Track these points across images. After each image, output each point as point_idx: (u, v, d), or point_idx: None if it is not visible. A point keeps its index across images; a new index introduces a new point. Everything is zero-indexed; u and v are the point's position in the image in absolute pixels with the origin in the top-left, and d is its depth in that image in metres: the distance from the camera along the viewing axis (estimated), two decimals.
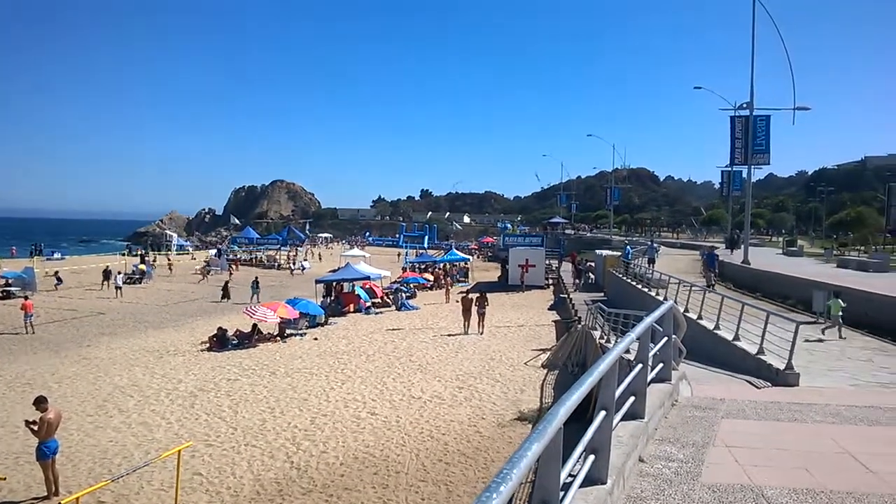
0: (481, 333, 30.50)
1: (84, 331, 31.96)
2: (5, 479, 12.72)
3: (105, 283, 46.71)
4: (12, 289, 42.01)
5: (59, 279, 46.99)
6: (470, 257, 71.31)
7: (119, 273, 46.35)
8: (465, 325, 31.28)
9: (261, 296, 43.17)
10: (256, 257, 74.16)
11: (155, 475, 13.54)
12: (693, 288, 19.38)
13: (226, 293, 44.20)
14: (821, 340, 14.60)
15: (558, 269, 56.05)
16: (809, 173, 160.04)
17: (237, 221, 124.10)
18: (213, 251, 76.26)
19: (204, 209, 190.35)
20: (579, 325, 25.72)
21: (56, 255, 71.26)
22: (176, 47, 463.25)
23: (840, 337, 14.80)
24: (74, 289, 46.45)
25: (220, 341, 27.65)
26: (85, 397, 19.71)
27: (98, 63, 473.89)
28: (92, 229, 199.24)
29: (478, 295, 32.66)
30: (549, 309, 39.29)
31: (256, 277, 48.75)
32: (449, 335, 30.42)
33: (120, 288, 44.55)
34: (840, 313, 16.22)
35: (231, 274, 56.11)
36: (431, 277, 53.93)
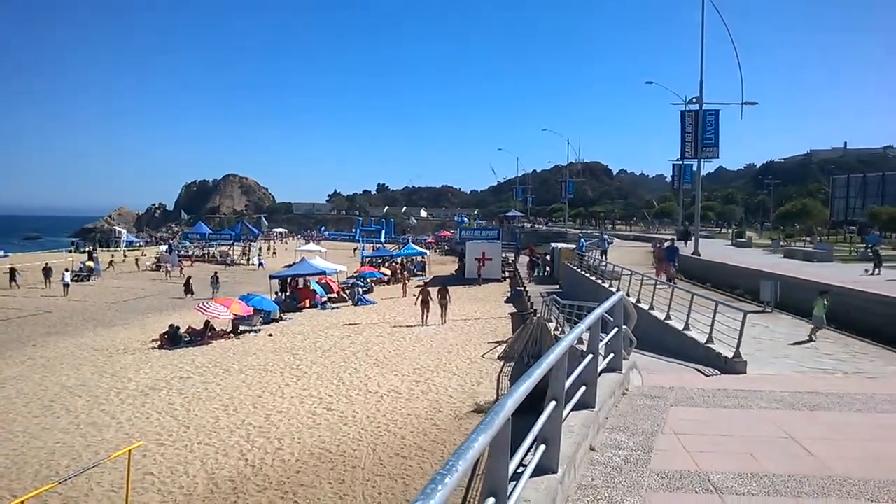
0: (444, 323, 31.12)
1: (29, 330, 31.03)
2: None
3: (47, 281, 45.22)
4: None
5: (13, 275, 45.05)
6: (427, 251, 71.27)
7: (66, 270, 44.92)
8: (423, 316, 31.52)
9: (218, 292, 42.50)
10: (209, 253, 72.92)
11: (105, 476, 13.25)
12: (645, 279, 19.68)
13: (188, 289, 43.56)
14: (811, 340, 14.76)
15: (514, 262, 56.42)
16: (757, 166, 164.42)
17: (187, 216, 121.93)
18: (164, 247, 74.74)
19: (154, 204, 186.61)
20: (535, 318, 25.94)
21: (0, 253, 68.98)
22: (121, 40, 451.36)
23: (810, 338, 14.80)
24: (19, 287, 45.01)
25: (171, 339, 27.13)
26: (30, 398, 19.16)
27: (41, 55, 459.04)
28: (37, 225, 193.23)
29: (439, 287, 33.45)
30: (505, 302, 39.53)
31: (216, 272, 48.36)
32: (407, 328, 30.40)
33: (68, 286, 43.15)
34: (823, 314, 15.69)
35: (181, 270, 55.00)
36: (388, 272, 53.80)
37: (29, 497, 10.76)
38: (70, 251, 72.65)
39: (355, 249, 79.53)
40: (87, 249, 70.42)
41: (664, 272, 25.39)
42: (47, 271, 45.79)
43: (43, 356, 25.04)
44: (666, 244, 30.25)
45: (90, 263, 53.37)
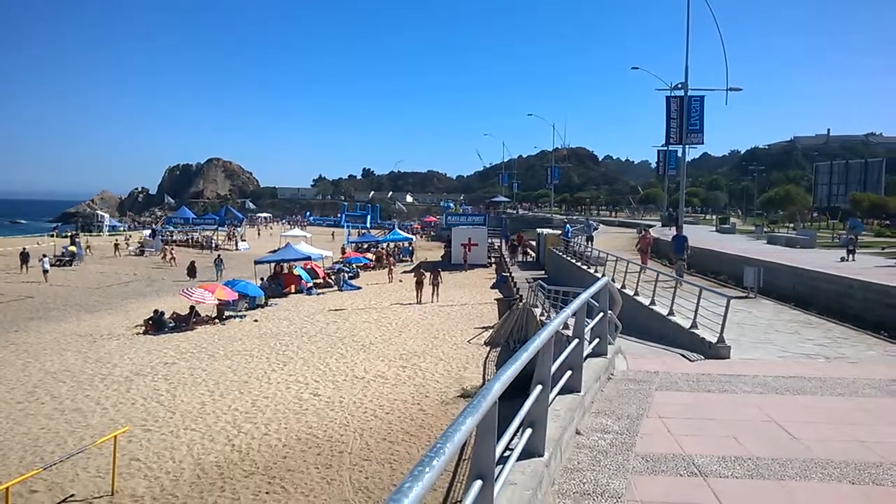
0: (435, 302, 33.87)
1: (11, 315, 30.74)
2: None
3: (24, 266, 44.38)
4: None
5: None
6: (413, 237, 71.21)
7: (44, 256, 44.26)
8: (417, 295, 34.25)
9: (198, 277, 42.35)
10: (193, 238, 72.43)
11: (90, 462, 13.21)
12: (630, 265, 19.77)
13: (191, 272, 43.76)
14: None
15: (500, 247, 56.53)
16: (742, 153, 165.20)
17: (171, 201, 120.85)
18: (148, 232, 74.15)
19: (137, 188, 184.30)
20: (521, 303, 26.03)
21: None
22: (104, 22, 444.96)
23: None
24: None
25: (156, 324, 26.98)
26: (14, 384, 19.02)
27: (25, 38, 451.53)
28: (17, 210, 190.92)
29: (432, 270, 36.38)
30: (491, 287, 39.64)
31: (220, 255, 48.70)
32: (393, 313, 30.43)
33: (47, 271, 42.22)
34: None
35: (166, 255, 54.57)
36: (374, 257, 53.74)
37: (14, 483, 10.72)
38: (52, 235, 71.87)
39: (333, 233, 79.19)
40: (69, 234, 69.66)
41: (675, 268, 23.03)
42: (25, 256, 45.10)
43: (26, 342, 24.84)
44: (648, 231, 28.92)
45: (72, 248, 52.81)
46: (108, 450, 12.83)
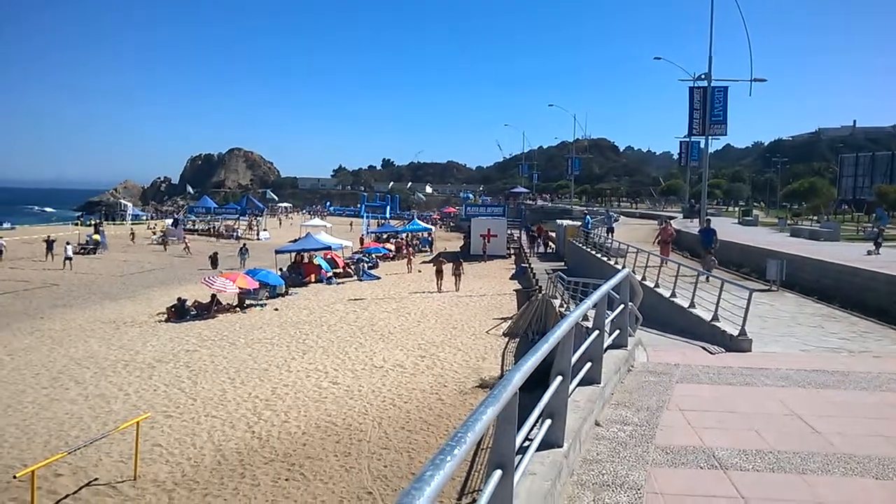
0: (457, 290, 34.37)
1: (37, 303, 31.22)
2: None
3: (49, 254, 44.84)
4: None
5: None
6: (432, 227, 71.23)
7: (67, 244, 44.79)
8: (437, 284, 34.88)
9: (220, 266, 42.73)
10: (214, 227, 72.98)
11: (113, 447, 13.41)
12: (651, 257, 19.64)
13: (214, 262, 44.16)
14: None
15: (520, 238, 56.41)
16: (765, 144, 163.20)
17: (193, 191, 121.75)
18: (170, 221, 74.83)
19: (159, 178, 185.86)
20: (540, 294, 25.99)
21: (6, 225, 69.18)
22: (130, 13, 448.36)
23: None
24: (26, 259, 45.18)
25: (178, 312, 27.27)
26: (39, 370, 19.33)
27: (49, 29, 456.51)
28: (42, 198, 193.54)
29: (454, 262, 37.32)
30: (510, 278, 39.61)
31: (244, 244, 49.14)
32: (412, 303, 30.51)
33: (70, 259, 42.64)
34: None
35: (186, 246, 55.09)
36: (393, 247, 53.85)
37: (40, 466, 10.91)
38: (76, 224, 72.77)
39: (351, 224, 79.35)
40: (93, 223, 70.50)
41: (702, 262, 21.72)
42: (50, 244, 45.69)
43: (51, 328, 25.23)
44: (677, 224, 28.29)
45: (96, 236, 53.47)
46: (131, 435, 13.01)
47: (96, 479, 12.24)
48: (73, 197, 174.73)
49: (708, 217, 28.02)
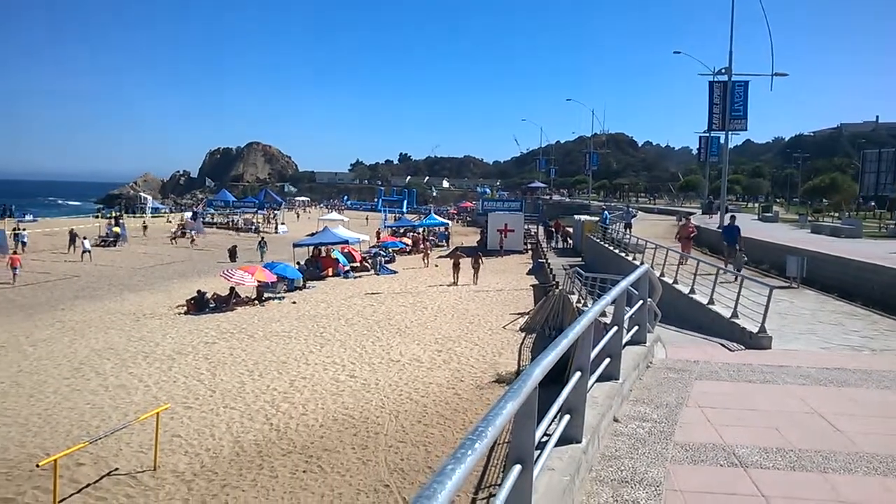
0: (476, 283, 34.91)
1: (58, 294, 31.62)
2: None
3: (72, 246, 45.22)
4: None
5: (23, 241, 45.20)
6: (449, 222, 71.23)
7: (84, 238, 45.18)
8: (454, 276, 35.61)
9: (239, 259, 43.05)
10: (233, 221, 73.45)
11: (133, 437, 13.57)
12: (669, 252, 19.52)
13: (233, 256, 44.53)
14: None
15: (537, 233, 56.27)
16: (786, 140, 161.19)
17: (212, 184, 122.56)
18: (189, 214, 75.37)
19: (178, 171, 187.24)
20: (557, 290, 25.93)
21: (28, 217, 69.98)
22: (153, 8, 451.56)
23: None
24: (46, 251, 45.71)
25: (197, 304, 27.52)
26: (60, 360, 19.59)
27: (71, 23, 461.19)
28: (65, 191, 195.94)
29: (473, 256, 38.41)
30: (527, 273, 39.52)
31: (263, 238, 49.60)
32: (429, 298, 30.55)
33: (88, 251, 43.07)
34: None
35: (192, 239, 55.58)
36: (410, 242, 53.93)
37: (62, 455, 11.06)
38: (96, 217, 73.49)
39: (367, 218, 79.45)
40: (113, 215, 71.17)
41: (728, 260, 21.50)
42: (73, 237, 46.22)
43: (72, 319, 25.55)
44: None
45: (116, 229, 53.98)
46: (151, 426, 13.18)
47: (117, 469, 12.41)
48: (94, 189, 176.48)
49: (732, 214, 27.45)
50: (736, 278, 14.19)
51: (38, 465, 11.47)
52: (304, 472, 12.42)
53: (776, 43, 34.42)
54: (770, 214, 52.43)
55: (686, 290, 15.76)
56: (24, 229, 49.32)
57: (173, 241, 54.95)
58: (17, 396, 16.26)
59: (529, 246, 52.39)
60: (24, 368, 18.70)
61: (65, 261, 42.18)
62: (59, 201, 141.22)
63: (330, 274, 38.39)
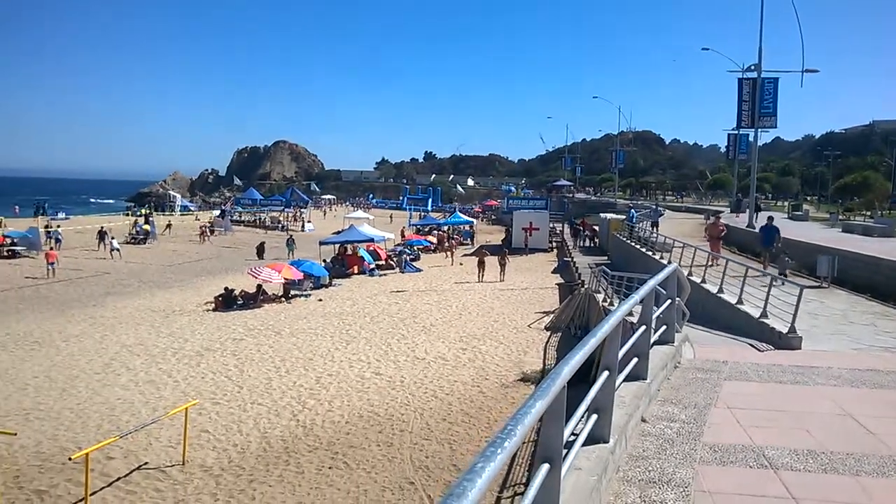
0: (501, 280, 35.38)
1: (89, 290, 32.17)
2: (16, 434, 12.94)
3: (101, 244, 45.90)
4: (17, 248, 42.13)
5: (58, 239, 46.30)
6: (474, 220, 71.15)
7: (112, 237, 45.56)
8: (479, 274, 36.21)
9: (266, 256, 43.46)
10: (260, 219, 74.08)
11: (163, 432, 13.77)
12: (697, 251, 19.31)
13: (260, 253, 45.01)
14: None
15: (562, 232, 55.99)
16: (816, 137, 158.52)
17: (240, 182, 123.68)
18: (217, 212, 76.17)
19: (207, 170, 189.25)
20: (583, 288, 25.79)
21: (60, 215, 71.25)
22: (177, 5, 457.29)
23: None
24: (78, 249, 46.49)
25: (225, 301, 27.82)
26: (92, 356, 19.94)
27: (100, 23, 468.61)
28: (97, 189, 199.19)
29: (499, 254, 38.66)
30: (552, 272, 39.37)
31: (291, 235, 50.14)
32: (453, 296, 30.56)
33: (117, 250, 43.56)
34: None
35: (203, 236, 56.09)
36: (435, 240, 53.98)
37: (93, 449, 11.25)
38: (127, 214, 74.57)
39: (391, 216, 79.54)
40: (143, 213, 72.20)
41: (762, 261, 21.16)
42: (102, 235, 46.92)
43: (103, 315, 25.97)
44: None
45: (146, 227, 54.76)
46: (180, 421, 13.35)
47: (146, 463, 12.60)
48: (125, 188, 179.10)
49: (770, 215, 26.77)
50: (782, 282, 13.88)
51: (70, 459, 11.67)
52: (329, 468, 12.51)
53: (806, 39, 33.86)
54: (800, 213, 51.61)
55: (714, 290, 15.60)
56: (58, 227, 50.37)
57: (202, 239, 55.56)
58: (49, 391, 16.59)
59: (554, 244, 52.16)
60: (56, 363, 19.07)
61: (95, 258, 42.88)
62: (92, 199, 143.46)
63: (355, 272, 38.59)
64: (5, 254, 41.16)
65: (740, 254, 27.60)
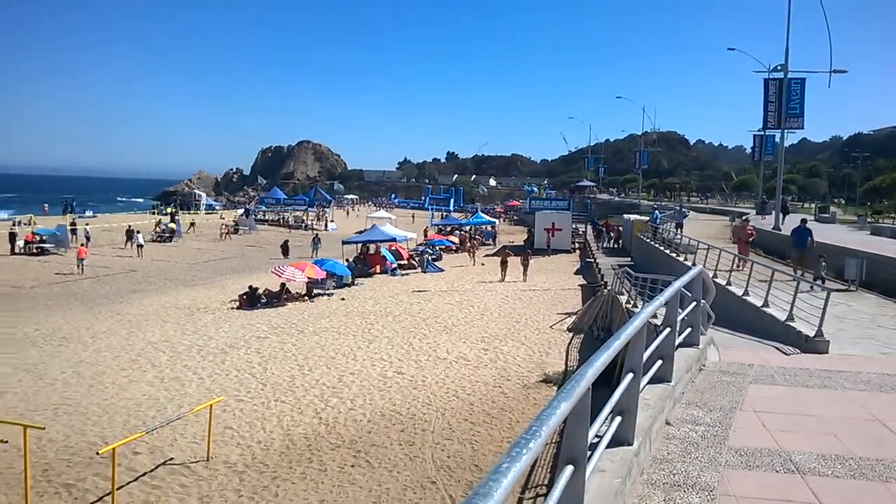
0: (524, 280, 35.44)
1: (116, 287, 32.62)
2: (44, 428, 13.15)
3: (129, 242, 46.57)
4: (46, 245, 42.84)
5: (87, 236, 47.09)
6: (496, 221, 71.04)
7: (138, 233, 46.22)
8: (501, 273, 36.39)
9: (290, 254, 43.80)
10: (283, 218, 74.59)
11: (188, 428, 13.92)
12: (722, 253, 19.12)
13: (285, 251, 45.52)
14: None
15: (585, 233, 55.72)
16: (844, 138, 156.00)
17: (264, 182, 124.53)
18: (241, 211, 76.80)
19: (231, 169, 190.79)
20: (605, 290, 25.65)
21: (88, 213, 72.32)
22: (203, 5, 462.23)
23: None
24: (106, 246, 47.16)
25: (249, 300, 28.06)
26: (118, 352, 20.21)
27: (129, 24, 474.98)
28: (122, 187, 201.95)
29: (522, 254, 39.11)
30: (575, 273, 39.20)
31: (317, 234, 50.74)
32: (475, 296, 30.54)
33: (142, 247, 44.32)
34: None
35: (224, 236, 56.70)
36: (457, 240, 53.98)
37: (120, 444, 11.40)
38: (153, 213, 75.47)
39: (413, 216, 79.61)
40: (169, 212, 73.04)
41: (793, 265, 20.39)
42: (130, 233, 47.57)
43: (129, 312, 26.32)
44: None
45: (172, 225, 55.41)
46: (204, 418, 13.50)
47: (172, 459, 12.75)
48: (151, 186, 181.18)
49: (804, 217, 26.10)
50: (816, 288, 13.66)
51: (97, 453, 11.84)
52: (352, 466, 12.57)
53: (834, 38, 33.34)
54: (827, 215, 50.90)
55: (740, 293, 15.45)
56: (86, 224, 51.22)
57: (225, 237, 56.17)
58: (77, 386, 16.85)
59: (577, 245, 51.92)
60: (84, 359, 19.36)
61: (122, 256, 43.47)
62: (119, 198, 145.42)
63: (378, 271, 38.73)
64: (35, 251, 41.85)
65: (767, 256, 27.28)
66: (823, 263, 19.90)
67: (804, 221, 22.67)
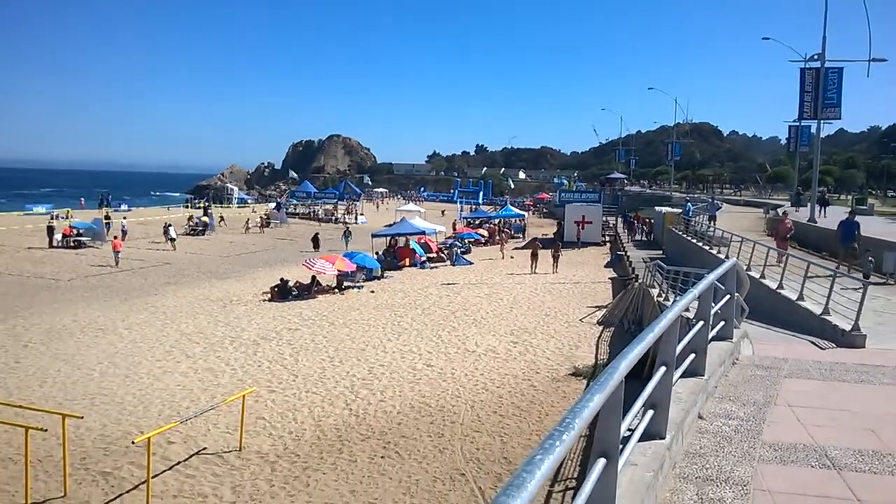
0: (555, 273, 35.69)
1: (151, 280, 33.18)
2: (82, 417, 13.43)
3: (166, 237, 47.29)
4: (83, 238, 43.68)
5: (123, 230, 47.86)
6: (525, 213, 70.79)
7: (170, 226, 46.85)
8: (532, 265, 36.36)
9: (321, 247, 44.16)
10: (314, 211, 75.14)
11: (221, 418, 14.13)
12: (756, 246, 18.81)
13: (316, 244, 46.02)
14: None
15: (615, 225, 55.27)
16: (883, 129, 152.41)
17: (295, 175, 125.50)
18: (273, 205, 77.49)
19: (263, 163, 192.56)
20: (636, 283, 25.44)
21: (123, 207, 73.56)
22: (235, 8, 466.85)
23: None
24: (140, 239, 47.94)
25: (281, 292, 28.35)
26: (153, 343, 20.57)
27: (163, 23, 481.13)
28: (156, 182, 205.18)
29: (552, 246, 39.09)
30: (605, 266, 38.95)
31: (348, 227, 51.58)
32: (504, 289, 30.50)
33: (174, 240, 45.07)
34: None
35: (249, 228, 57.59)
36: (486, 233, 53.91)
37: (155, 434, 11.61)
38: (186, 206, 76.50)
39: (443, 211, 79.63)
40: (202, 205, 73.94)
41: (840, 260, 19.74)
42: (167, 229, 48.28)
43: (164, 304, 26.76)
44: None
45: (205, 219, 56.15)
46: (237, 408, 13.69)
47: (205, 449, 12.95)
48: (184, 180, 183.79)
49: (852, 209, 25.00)
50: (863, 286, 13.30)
51: (133, 442, 12.07)
52: (381, 457, 12.65)
53: (873, 26, 32.50)
54: (864, 207, 49.82)
55: (774, 286, 15.20)
56: (123, 218, 52.24)
57: (260, 230, 56.88)
58: (113, 377, 17.19)
59: (608, 238, 51.54)
60: (120, 350, 19.74)
61: (157, 249, 44.19)
62: (153, 192, 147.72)
63: (407, 264, 38.85)
64: (72, 244, 42.70)
65: (802, 249, 26.78)
66: (871, 259, 19.00)
67: (853, 214, 21.65)
